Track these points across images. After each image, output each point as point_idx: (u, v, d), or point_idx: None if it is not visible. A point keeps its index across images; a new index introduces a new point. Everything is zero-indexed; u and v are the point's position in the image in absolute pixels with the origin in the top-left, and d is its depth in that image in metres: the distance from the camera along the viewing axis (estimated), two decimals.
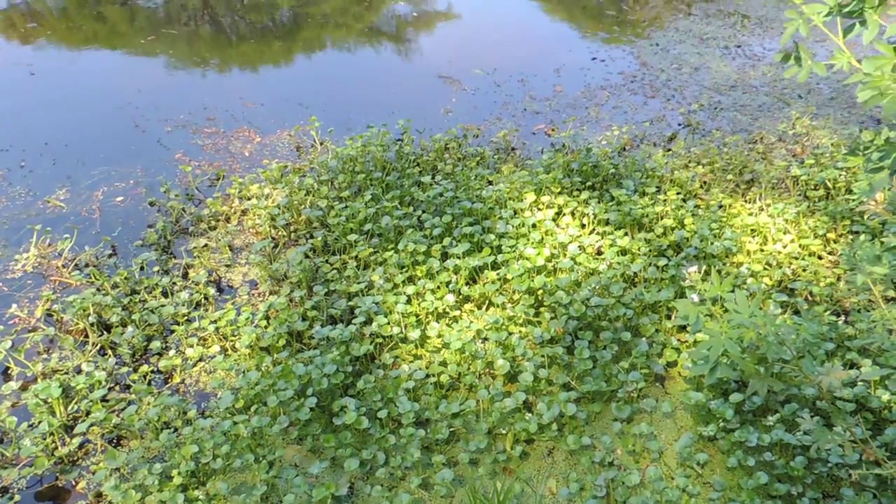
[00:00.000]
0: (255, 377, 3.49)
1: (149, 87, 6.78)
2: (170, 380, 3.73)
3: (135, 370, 3.74)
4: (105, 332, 3.94)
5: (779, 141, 5.86)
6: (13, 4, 8.71)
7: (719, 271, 4.12)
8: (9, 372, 3.72)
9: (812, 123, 6.01)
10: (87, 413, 3.46)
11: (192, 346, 3.83)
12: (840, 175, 4.84)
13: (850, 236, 4.46)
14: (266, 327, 3.89)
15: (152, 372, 3.75)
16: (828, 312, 3.82)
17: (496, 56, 7.71)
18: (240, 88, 6.86)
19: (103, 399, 3.55)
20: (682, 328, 3.88)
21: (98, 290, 4.16)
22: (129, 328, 3.89)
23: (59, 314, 4.04)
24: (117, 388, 3.66)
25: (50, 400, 3.43)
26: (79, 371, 3.70)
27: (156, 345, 3.82)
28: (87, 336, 3.93)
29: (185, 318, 4.02)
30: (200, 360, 3.82)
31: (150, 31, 8.06)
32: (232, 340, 3.89)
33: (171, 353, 3.81)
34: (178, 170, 5.39)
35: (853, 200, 2.50)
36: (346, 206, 4.74)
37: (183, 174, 5.32)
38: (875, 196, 2.37)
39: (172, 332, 3.96)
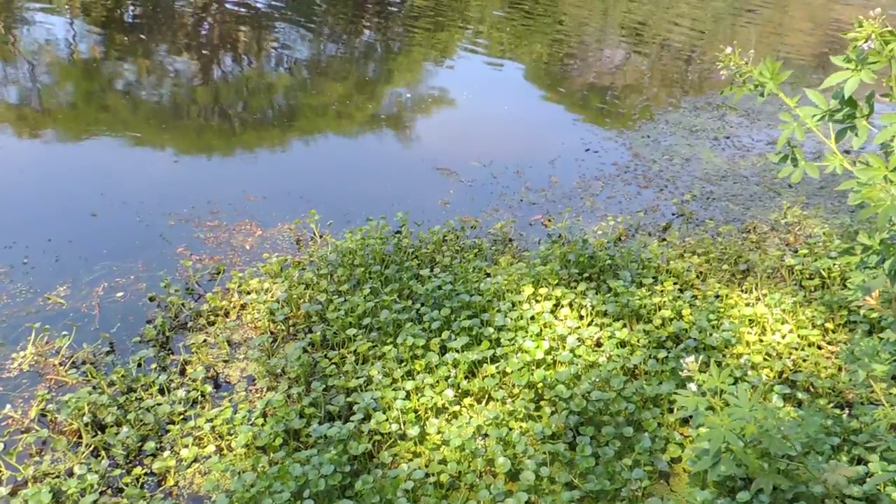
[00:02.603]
0: (250, 479, 3.41)
1: (153, 179, 6.92)
2: (163, 482, 3.64)
3: (128, 472, 3.65)
4: (99, 433, 3.88)
5: (771, 230, 5.95)
6: (24, 97, 9.02)
7: (718, 363, 4.10)
8: None
9: (803, 213, 6.12)
10: None
11: (186, 446, 3.76)
12: (834, 265, 4.89)
13: (850, 325, 4.47)
14: (263, 425, 3.83)
15: (146, 474, 3.67)
16: (831, 405, 3.78)
17: (492, 147, 7.92)
18: (243, 180, 7.01)
19: None
20: (685, 422, 3.83)
21: (94, 388, 4.12)
22: (124, 428, 3.83)
23: (53, 414, 3.99)
24: (109, 491, 3.57)
25: None
26: (70, 474, 3.62)
27: (150, 445, 3.76)
28: (80, 437, 3.86)
29: (182, 416, 3.97)
30: (195, 460, 3.74)
31: (156, 122, 8.31)
32: (228, 440, 3.83)
33: (166, 453, 3.73)
34: (180, 264, 5.44)
35: (849, 295, 2.53)
36: (345, 300, 4.76)
37: (184, 268, 5.37)
38: (871, 294, 2.40)
39: (168, 431, 3.90)
